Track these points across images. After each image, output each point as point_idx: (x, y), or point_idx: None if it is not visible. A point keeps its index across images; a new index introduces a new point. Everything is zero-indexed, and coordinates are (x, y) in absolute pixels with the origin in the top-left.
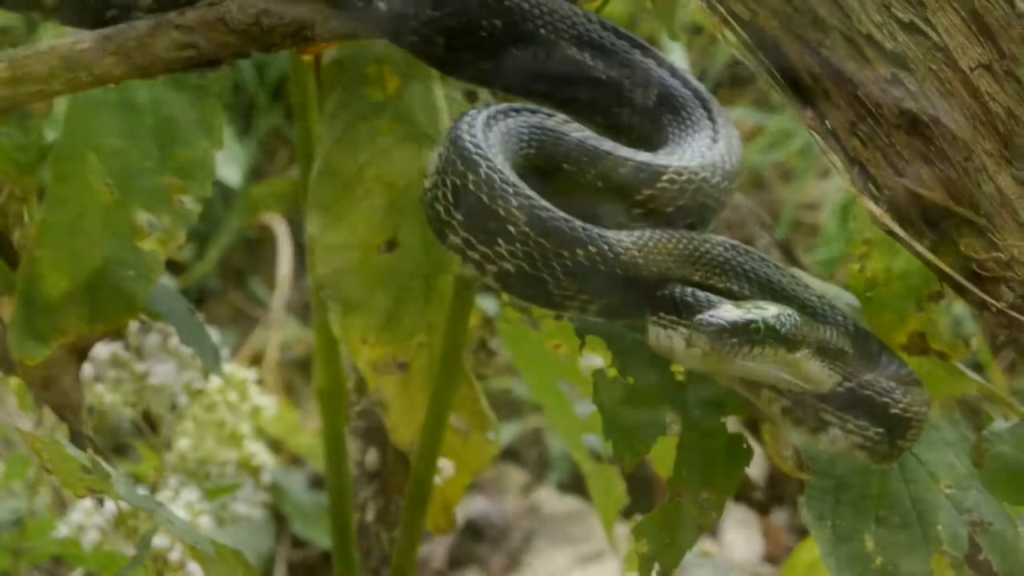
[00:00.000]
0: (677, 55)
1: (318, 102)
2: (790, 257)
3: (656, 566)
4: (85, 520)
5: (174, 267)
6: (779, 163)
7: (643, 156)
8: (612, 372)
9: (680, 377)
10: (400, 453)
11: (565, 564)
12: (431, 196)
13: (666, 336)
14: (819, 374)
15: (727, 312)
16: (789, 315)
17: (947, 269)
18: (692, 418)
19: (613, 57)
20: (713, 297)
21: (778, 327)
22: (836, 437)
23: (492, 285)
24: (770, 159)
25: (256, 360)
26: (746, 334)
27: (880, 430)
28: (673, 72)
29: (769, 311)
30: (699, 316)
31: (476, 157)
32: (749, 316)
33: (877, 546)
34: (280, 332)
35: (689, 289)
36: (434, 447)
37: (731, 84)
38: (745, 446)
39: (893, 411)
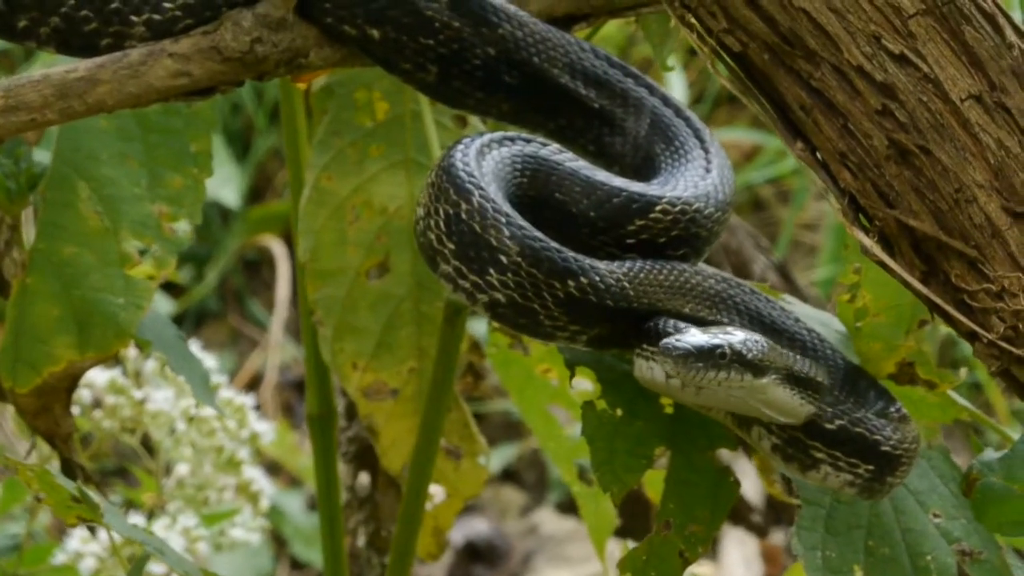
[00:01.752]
0: (674, 75)
1: (309, 128)
2: (787, 280)
3: None
4: (82, 547)
5: (173, 289)
6: (777, 182)
7: (636, 187)
8: (601, 404)
9: (669, 410)
10: (391, 478)
11: None
12: (423, 224)
13: (647, 368)
14: (789, 402)
15: (693, 337)
16: (756, 341)
17: (938, 300)
18: (680, 451)
19: (606, 86)
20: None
21: (744, 352)
22: (827, 474)
23: (483, 314)
24: (767, 178)
25: (254, 381)
26: (711, 358)
27: (871, 467)
28: (666, 101)
29: (735, 336)
30: (664, 341)
31: (469, 186)
32: (715, 341)
33: None
34: (278, 353)
35: (672, 321)
36: (425, 472)
37: (729, 103)
38: (732, 480)
39: (884, 448)
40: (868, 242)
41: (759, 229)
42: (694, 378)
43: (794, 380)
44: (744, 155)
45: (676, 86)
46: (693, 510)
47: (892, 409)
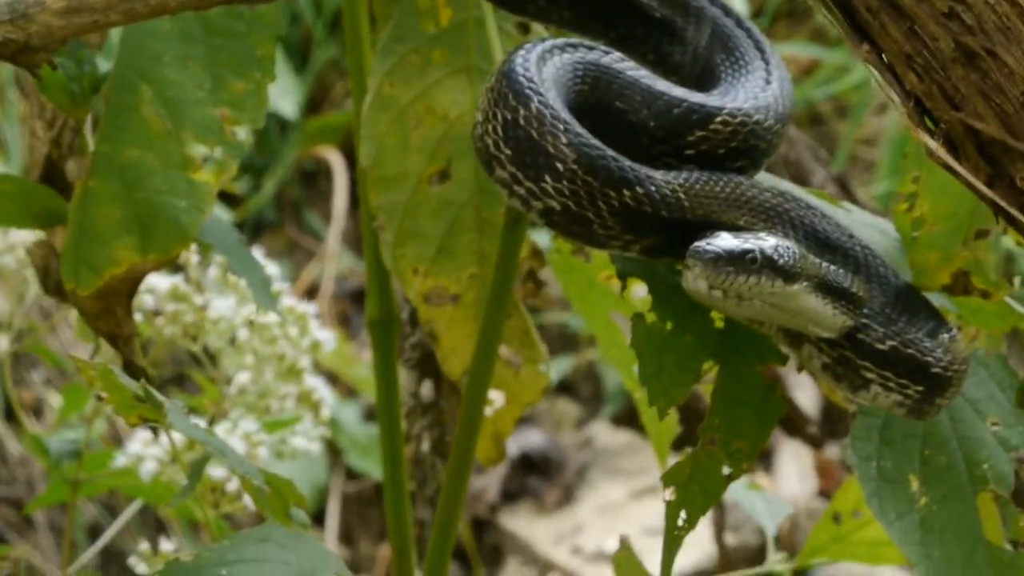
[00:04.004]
0: None
1: (372, 35)
2: (846, 191)
3: (683, 514)
4: (143, 451)
5: (230, 200)
6: (835, 98)
7: (696, 97)
8: (651, 316)
9: (719, 324)
10: (454, 384)
11: (619, 497)
12: (481, 129)
13: (693, 279)
14: (821, 311)
15: (724, 241)
16: (787, 247)
17: (1002, 203)
18: (728, 366)
19: None
20: None
21: (775, 257)
22: (877, 394)
23: (537, 221)
24: (827, 94)
25: (311, 292)
26: (742, 263)
27: (920, 388)
28: (726, 11)
29: (767, 242)
30: (695, 244)
31: (528, 91)
32: (746, 245)
33: (922, 486)
34: (335, 264)
35: (723, 233)
36: (485, 378)
37: (788, 18)
38: (780, 396)
39: (934, 370)
40: (934, 145)
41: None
42: (723, 282)
43: (827, 289)
44: (803, 70)
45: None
46: (739, 425)
47: (943, 329)
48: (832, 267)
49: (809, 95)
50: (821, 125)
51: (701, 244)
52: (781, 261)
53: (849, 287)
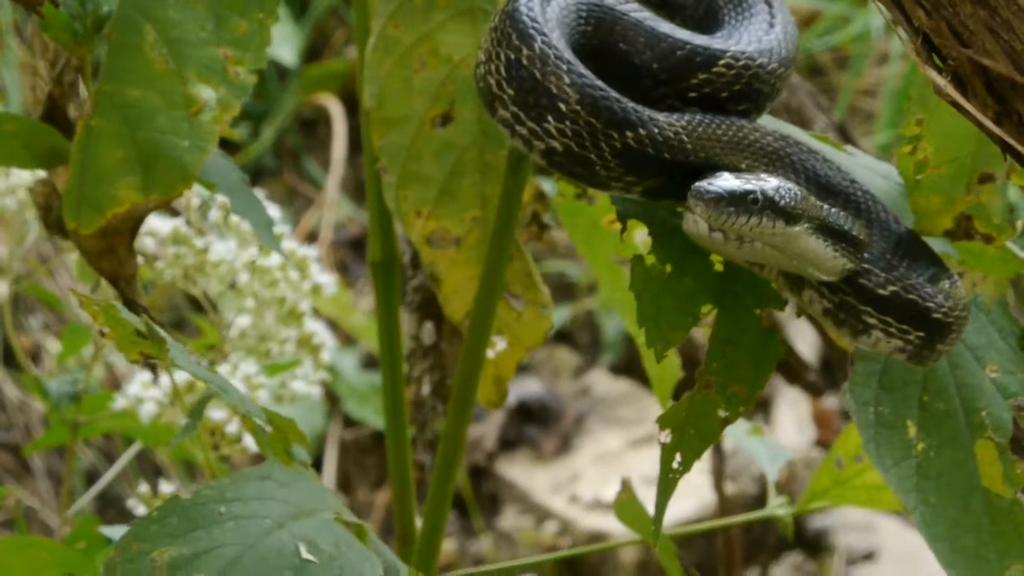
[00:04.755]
0: None
1: None
2: (847, 139)
3: (678, 457)
4: (142, 392)
5: (229, 146)
6: (836, 49)
7: (700, 40)
8: (650, 259)
9: (719, 267)
10: (456, 327)
11: (617, 446)
12: (484, 69)
13: (693, 221)
14: (822, 253)
15: (725, 181)
16: (789, 188)
17: (1010, 140)
18: (727, 310)
19: None
20: None
21: (776, 199)
22: (878, 339)
23: (538, 161)
24: (827, 44)
25: (310, 239)
26: (744, 204)
27: (921, 334)
28: None
29: (768, 183)
30: (697, 184)
31: (531, 31)
32: (748, 186)
33: (920, 432)
34: (334, 211)
35: (725, 174)
36: (486, 321)
37: None
38: (778, 340)
39: (935, 316)
40: (941, 81)
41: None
42: (725, 222)
43: (828, 232)
44: (803, 20)
45: None
46: (736, 369)
47: (944, 276)
48: (833, 210)
49: (809, 46)
50: (821, 76)
51: (703, 184)
52: (783, 202)
53: (850, 230)
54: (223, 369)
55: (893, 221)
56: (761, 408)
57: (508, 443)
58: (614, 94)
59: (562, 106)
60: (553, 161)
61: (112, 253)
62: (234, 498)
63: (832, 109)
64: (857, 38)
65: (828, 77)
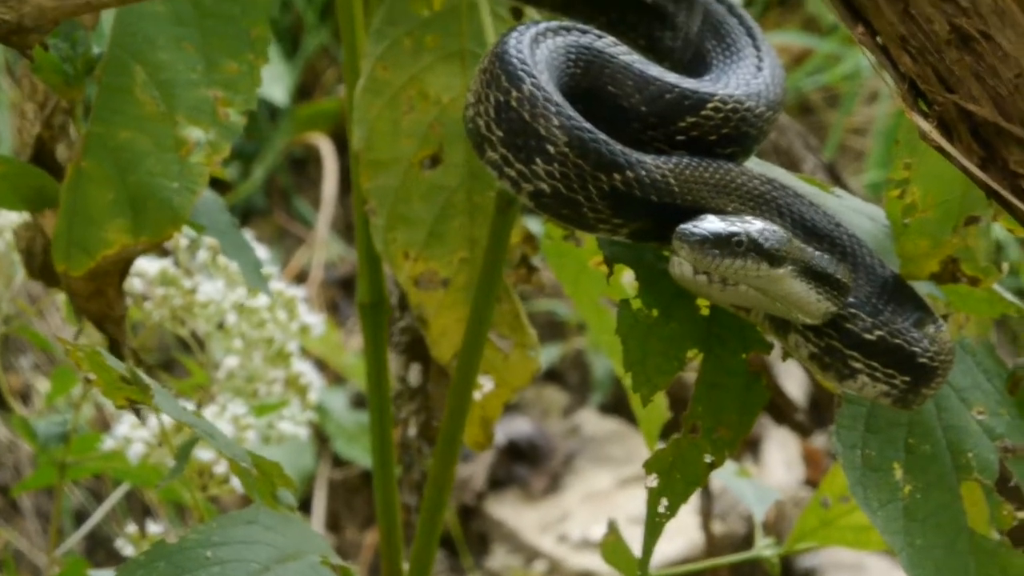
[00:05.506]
0: None
1: (365, 18)
2: (836, 179)
3: (664, 501)
4: (131, 433)
5: (220, 186)
6: (826, 87)
7: (689, 83)
8: (637, 303)
9: (705, 311)
10: (443, 369)
11: (606, 486)
12: (473, 110)
13: (678, 263)
14: (805, 296)
15: (710, 224)
16: (774, 231)
17: (995, 186)
18: (713, 354)
19: None
20: None
21: (761, 241)
22: (864, 384)
23: (526, 203)
24: (817, 83)
25: (300, 279)
26: (728, 246)
27: (907, 378)
28: None
29: (753, 225)
30: (682, 226)
31: (521, 73)
32: (733, 228)
33: (906, 474)
34: (324, 251)
35: (710, 216)
36: (473, 362)
37: (780, 6)
38: (764, 384)
39: (921, 360)
40: (927, 127)
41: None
42: (710, 264)
43: (812, 275)
44: (794, 59)
45: None
46: (722, 413)
47: (929, 319)
48: (817, 252)
49: (800, 84)
50: (812, 114)
51: (688, 227)
52: (767, 244)
53: (833, 273)
54: (212, 410)
55: (879, 265)
56: (750, 447)
57: (497, 482)
58: (602, 136)
59: (551, 148)
60: (541, 203)
61: (101, 295)
62: (220, 542)
63: (822, 148)
64: (847, 77)
65: (819, 115)
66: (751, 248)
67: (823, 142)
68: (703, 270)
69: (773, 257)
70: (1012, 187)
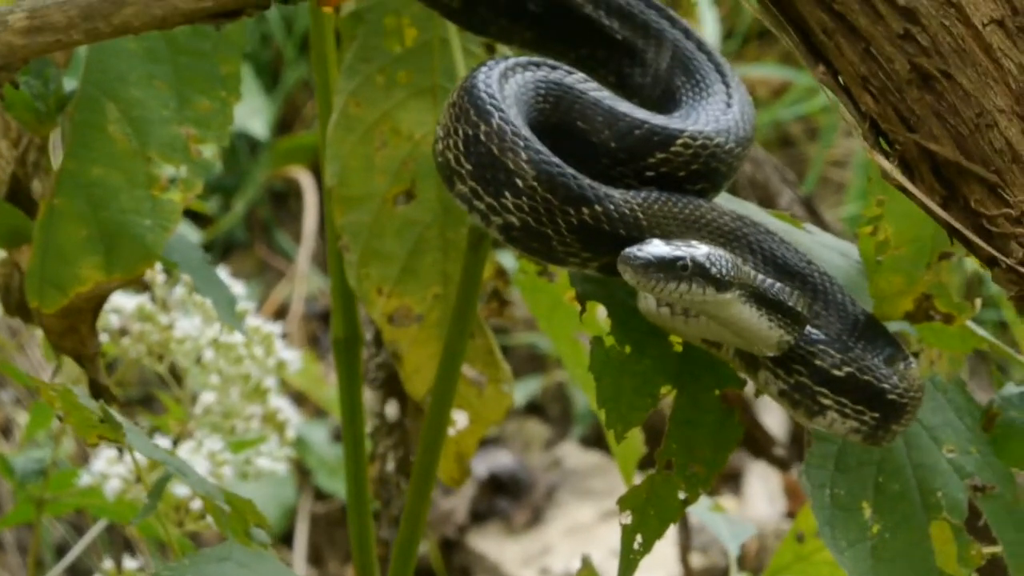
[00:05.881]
0: (705, 9)
1: (338, 54)
2: (813, 213)
3: (638, 538)
4: (107, 469)
5: (200, 219)
6: (806, 119)
7: (658, 119)
8: (609, 340)
9: (677, 348)
10: (418, 405)
11: (588, 519)
12: (443, 144)
13: (645, 299)
14: (756, 323)
15: (655, 248)
16: (720, 255)
17: (957, 225)
18: (686, 390)
19: (628, 17)
20: None
21: (707, 265)
22: (833, 420)
23: (496, 236)
24: (797, 115)
25: (281, 312)
26: (673, 270)
27: (876, 415)
28: (687, 34)
29: (699, 250)
30: (627, 250)
31: (489, 107)
32: (677, 252)
33: (875, 514)
34: (305, 285)
35: (655, 240)
36: (447, 398)
37: (759, 39)
38: (737, 420)
39: (890, 396)
40: (888, 166)
41: (788, 166)
42: (654, 288)
43: (762, 301)
44: (773, 91)
45: (707, 21)
46: (695, 450)
47: (900, 356)
48: (769, 280)
49: (779, 116)
50: (791, 147)
51: (632, 250)
52: (713, 269)
53: (785, 301)
54: (188, 446)
55: (850, 303)
56: (732, 480)
57: (479, 515)
58: (570, 171)
59: (519, 182)
60: (511, 236)
61: (74, 332)
62: None
63: (802, 181)
64: (827, 109)
65: (798, 148)
66: (696, 272)
67: (803, 175)
68: (647, 293)
69: (719, 282)
70: (974, 226)
